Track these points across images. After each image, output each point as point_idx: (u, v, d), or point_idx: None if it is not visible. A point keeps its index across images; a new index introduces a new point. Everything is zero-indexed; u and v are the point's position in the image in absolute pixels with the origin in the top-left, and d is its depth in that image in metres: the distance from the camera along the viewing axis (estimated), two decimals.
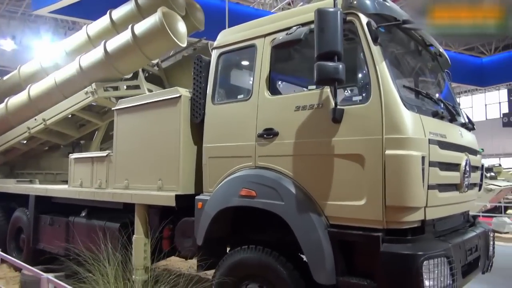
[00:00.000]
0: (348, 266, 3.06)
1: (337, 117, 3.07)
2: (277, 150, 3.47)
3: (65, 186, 6.08)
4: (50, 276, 5.55)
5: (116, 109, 5.07)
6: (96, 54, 6.80)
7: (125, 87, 7.03)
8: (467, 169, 3.50)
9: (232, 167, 3.77)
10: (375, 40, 3.08)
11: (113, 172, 5.03)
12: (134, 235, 4.60)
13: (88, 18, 9.49)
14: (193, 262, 4.50)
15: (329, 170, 3.14)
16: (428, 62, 4.16)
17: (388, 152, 2.84)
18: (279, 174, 3.42)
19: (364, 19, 3.15)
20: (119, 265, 4.09)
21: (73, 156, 5.81)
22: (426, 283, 2.70)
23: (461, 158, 3.44)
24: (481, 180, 4.12)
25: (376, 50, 3.06)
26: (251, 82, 3.81)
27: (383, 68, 3.01)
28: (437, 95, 3.95)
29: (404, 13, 3.61)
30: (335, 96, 3.08)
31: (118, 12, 7.20)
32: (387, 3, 3.41)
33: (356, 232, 2.99)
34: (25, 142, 7.86)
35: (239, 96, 3.95)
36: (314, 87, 3.35)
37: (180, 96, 4.25)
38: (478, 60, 23.07)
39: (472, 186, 3.74)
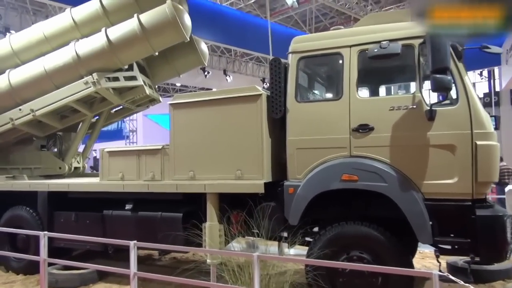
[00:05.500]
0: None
1: (433, 116, 4.00)
2: (373, 142, 4.26)
3: (93, 180, 5.86)
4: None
5: (172, 104, 5.18)
6: (96, 42, 6.60)
7: (123, 77, 6.96)
8: None
9: (324, 156, 4.44)
10: (459, 59, 4.08)
11: (171, 164, 5.17)
12: (207, 222, 4.90)
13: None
14: None
15: (424, 157, 4.08)
16: None
17: (479, 143, 3.88)
18: (377, 161, 4.22)
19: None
20: None
21: (107, 149, 5.65)
22: (508, 235, 3.85)
23: None
24: None
25: (461, 66, 4.06)
26: (339, 84, 4.50)
27: (467, 80, 4.04)
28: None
29: None
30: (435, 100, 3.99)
31: None
32: None
33: (450, 203, 3.99)
34: None
35: (327, 96, 4.59)
36: (404, 91, 4.22)
37: (260, 94, 4.70)
38: None
39: None
